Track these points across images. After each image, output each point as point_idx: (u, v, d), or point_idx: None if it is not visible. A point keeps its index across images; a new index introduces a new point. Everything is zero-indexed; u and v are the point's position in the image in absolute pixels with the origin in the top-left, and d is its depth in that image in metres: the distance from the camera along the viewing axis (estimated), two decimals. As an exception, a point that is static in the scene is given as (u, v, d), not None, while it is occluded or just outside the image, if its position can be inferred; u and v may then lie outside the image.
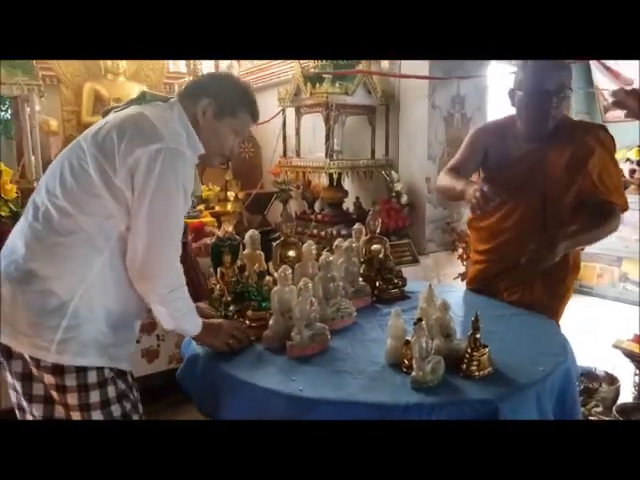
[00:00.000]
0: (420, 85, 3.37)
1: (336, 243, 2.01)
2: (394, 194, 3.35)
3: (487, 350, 1.34)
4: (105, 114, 1.42)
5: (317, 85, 3.32)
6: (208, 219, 3.19)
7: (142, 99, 1.44)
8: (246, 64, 5.46)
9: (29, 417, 1.29)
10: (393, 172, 3.44)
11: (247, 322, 1.60)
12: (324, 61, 3.46)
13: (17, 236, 1.27)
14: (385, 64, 3.65)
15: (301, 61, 3.74)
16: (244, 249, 1.89)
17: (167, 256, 1.28)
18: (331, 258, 1.74)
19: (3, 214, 2.20)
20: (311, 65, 3.57)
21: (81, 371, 1.22)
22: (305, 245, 1.82)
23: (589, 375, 2.40)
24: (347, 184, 3.77)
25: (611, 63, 4.18)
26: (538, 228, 1.85)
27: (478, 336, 1.34)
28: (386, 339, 1.43)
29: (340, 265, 1.92)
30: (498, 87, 3.85)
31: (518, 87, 1.86)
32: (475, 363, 1.31)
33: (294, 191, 4.18)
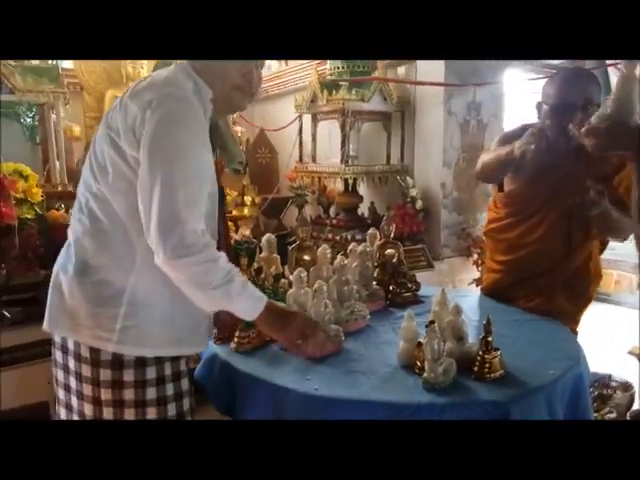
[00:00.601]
0: (436, 92, 3.39)
1: (350, 247, 2.05)
2: (409, 199, 3.38)
3: (498, 353, 1.36)
4: None
5: (333, 92, 3.36)
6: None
7: (155, 69, 1.42)
8: (263, 71, 5.55)
9: (75, 417, 1.27)
10: (408, 178, 3.46)
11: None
12: (340, 68, 3.50)
13: (70, 233, 1.28)
14: (401, 70, 3.69)
15: (318, 68, 3.81)
16: (261, 252, 1.93)
17: (182, 218, 1.10)
18: (345, 262, 1.78)
19: (29, 216, 2.29)
20: (327, 72, 3.62)
21: (139, 366, 1.19)
22: (320, 249, 1.86)
23: (604, 382, 2.38)
24: (362, 189, 3.80)
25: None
26: (561, 243, 1.85)
27: (490, 339, 1.36)
28: (399, 341, 1.46)
29: (354, 269, 1.96)
30: (514, 93, 3.88)
31: (545, 100, 1.84)
32: (487, 365, 1.34)
33: (310, 196, 4.23)
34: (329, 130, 3.84)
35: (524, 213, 1.92)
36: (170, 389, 1.24)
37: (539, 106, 1.88)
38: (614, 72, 4.22)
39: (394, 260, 2.10)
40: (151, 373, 1.21)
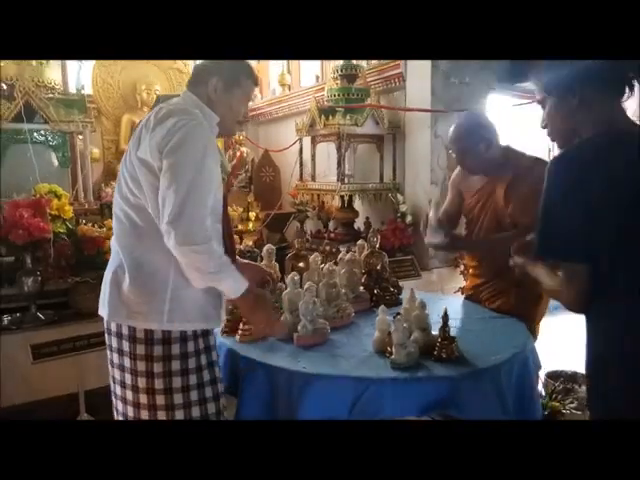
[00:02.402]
0: (423, 117, 3.72)
1: (340, 256, 2.37)
2: (399, 215, 3.69)
3: (455, 340, 1.66)
4: None
5: (330, 117, 3.71)
6: (231, 236, 3.56)
7: (158, 101, 1.73)
8: (267, 95, 5.94)
9: (129, 393, 1.48)
10: (399, 195, 3.78)
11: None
12: (337, 95, 3.85)
13: (115, 241, 1.53)
14: (393, 96, 4.02)
15: (316, 95, 4.16)
16: (262, 260, 2.25)
17: (193, 209, 1.34)
18: (333, 268, 2.09)
19: (62, 230, 2.62)
20: (325, 98, 3.97)
21: (182, 341, 1.45)
22: (312, 257, 2.17)
23: (572, 377, 2.67)
24: (358, 205, 4.12)
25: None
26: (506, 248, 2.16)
27: (447, 328, 1.66)
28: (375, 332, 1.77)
29: (343, 274, 2.27)
30: (497, 117, 4.19)
31: (451, 143, 2.28)
32: (444, 350, 1.64)
33: (311, 212, 4.55)
34: (327, 151, 4.17)
35: (468, 225, 2.38)
36: (204, 359, 1.51)
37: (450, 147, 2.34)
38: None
39: (378, 268, 2.41)
40: (191, 346, 1.47)
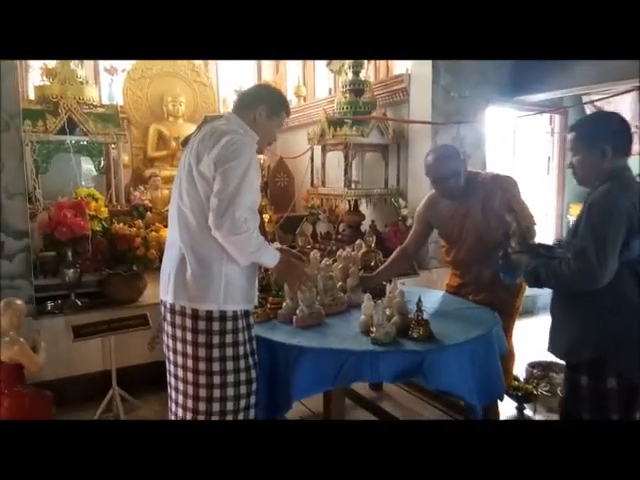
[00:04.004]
0: (425, 128, 4.03)
1: (338, 253, 2.70)
2: (400, 218, 4.00)
3: (427, 322, 1.97)
4: (184, 144, 1.99)
5: (338, 128, 4.05)
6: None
7: (206, 121, 2.02)
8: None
9: (190, 361, 1.76)
10: (400, 199, 4.09)
11: (269, 305, 2.29)
12: (345, 108, 4.18)
13: (174, 237, 1.80)
14: (399, 109, 4.34)
15: (326, 107, 4.50)
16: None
17: (236, 208, 1.63)
18: (329, 262, 2.42)
19: (98, 229, 3.01)
20: (334, 111, 4.31)
21: (234, 319, 1.76)
22: (312, 253, 2.51)
23: (548, 366, 2.94)
24: (365, 209, 4.44)
25: (601, 105, 4.71)
26: (483, 256, 2.46)
27: (420, 313, 1.98)
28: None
29: (341, 269, 2.60)
30: (495, 128, 4.48)
31: (427, 173, 2.57)
32: (416, 330, 1.95)
33: (322, 215, 4.89)
34: (338, 159, 4.50)
35: (450, 244, 2.70)
36: (247, 334, 1.83)
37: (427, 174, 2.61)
38: (590, 108, 4.79)
39: (372, 264, 2.73)
40: (239, 323, 1.79)
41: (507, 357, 2.60)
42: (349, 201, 4.20)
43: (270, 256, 1.81)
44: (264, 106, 1.87)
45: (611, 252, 1.59)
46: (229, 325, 1.76)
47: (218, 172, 1.68)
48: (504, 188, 2.51)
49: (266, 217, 4.29)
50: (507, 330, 2.60)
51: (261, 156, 5.37)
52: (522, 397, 2.68)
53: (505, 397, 2.75)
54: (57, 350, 2.79)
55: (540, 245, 1.95)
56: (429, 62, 3.95)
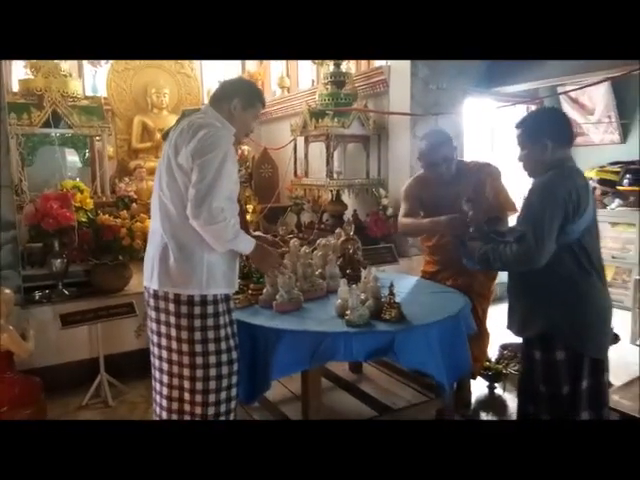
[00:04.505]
0: (405, 119, 4.13)
1: (318, 241, 2.81)
2: (381, 207, 4.11)
3: (398, 305, 2.09)
4: (164, 137, 2.13)
5: (320, 120, 4.13)
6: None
7: (184, 115, 2.09)
8: (269, 97, 6.37)
9: (174, 344, 1.85)
10: (381, 189, 4.20)
11: (250, 291, 2.39)
12: (326, 100, 4.26)
13: (157, 225, 1.88)
14: (380, 100, 4.43)
15: (309, 98, 4.58)
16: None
17: (213, 198, 1.70)
18: (308, 250, 2.52)
19: (84, 219, 3.08)
20: (316, 103, 4.39)
21: (214, 303, 1.85)
22: (292, 242, 2.61)
23: (518, 347, 3.07)
24: (348, 199, 4.54)
25: (576, 96, 4.85)
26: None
27: (392, 296, 2.09)
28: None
29: (320, 257, 2.71)
30: (472, 120, 4.59)
31: (420, 158, 2.68)
32: (389, 312, 2.07)
33: (306, 205, 4.98)
34: (320, 150, 4.59)
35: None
36: (227, 318, 1.92)
37: (420, 159, 2.70)
38: (564, 99, 4.93)
39: (351, 252, 2.84)
40: (221, 307, 1.88)
41: (482, 338, 2.75)
42: (331, 191, 4.31)
43: (246, 243, 1.89)
44: (239, 98, 1.94)
45: (548, 236, 1.76)
46: (210, 309, 1.86)
47: (196, 164, 1.75)
48: (492, 177, 2.64)
49: (250, 207, 4.39)
50: (484, 312, 2.75)
51: (245, 147, 5.44)
52: (492, 376, 2.82)
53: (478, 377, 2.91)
54: (46, 338, 2.87)
55: (493, 231, 2.09)
56: (408, 55, 4.04)
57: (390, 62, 4.30)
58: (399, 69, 4.17)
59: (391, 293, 2.11)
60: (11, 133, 3.06)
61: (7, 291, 2.51)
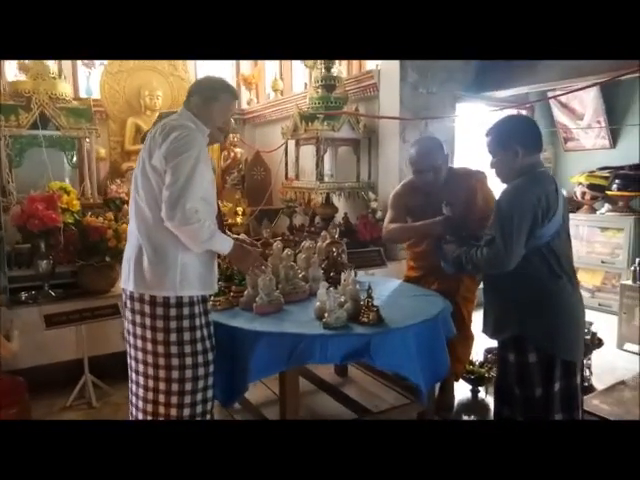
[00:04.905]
0: (394, 123, 4.16)
1: (302, 244, 2.82)
2: (370, 210, 4.13)
3: (376, 308, 2.10)
4: (143, 139, 2.12)
5: (310, 123, 4.15)
6: (220, 229, 4.02)
7: (161, 117, 2.07)
8: (263, 99, 6.40)
9: (149, 345, 1.85)
10: (370, 193, 4.22)
11: (232, 293, 2.40)
12: (317, 103, 4.29)
13: (133, 227, 1.90)
14: (371, 104, 4.46)
15: (299, 102, 4.60)
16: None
17: (186, 199, 1.72)
18: (290, 252, 2.54)
19: (70, 221, 3.09)
20: (307, 106, 4.41)
21: (190, 305, 1.85)
22: (275, 244, 2.63)
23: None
24: (338, 202, 4.56)
25: (566, 101, 4.87)
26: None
27: (370, 299, 2.10)
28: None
29: (304, 259, 2.72)
30: (463, 124, 4.61)
31: (410, 164, 2.71)
32: (366, 315, 2.08)
33: (298, 207, 5.00)
34: (312, 153, 4.61)
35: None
36: (204, 319, 1.93)
37: (410, 166, 2.72)
38: (554, 103, 4.95)
39: (335, 254, 2.85)
40: (196, 309, 1.88)
41: (467, 340, 2.76)
42: (321, 194, 4.33)
43: (223, 243, 1.90)
44: (197, 95, 1.95)
45: (516, 240, 1.78)
46: (186, 310, 1.87)
47: (169, 166, 1.76)
48: (480, 182, 2.66)
49: (239, 210, 4.40)
50: (469, 314, 2.76)
51: (238, 150, 5.48)
52: (475, 380, 2.83)
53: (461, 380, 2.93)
54: (32, 339, 2.87)
55: (468, 235, 2.12)
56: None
57: (380, 66, 4.33)
58: (388, 73, 4.20)
59: (369, 296, 2.12)
60: (-1, 135, 3.09)
61: (-10, 292, 2.52)
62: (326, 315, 2.06)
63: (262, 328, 2.04)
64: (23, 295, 3.07)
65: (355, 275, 2.84)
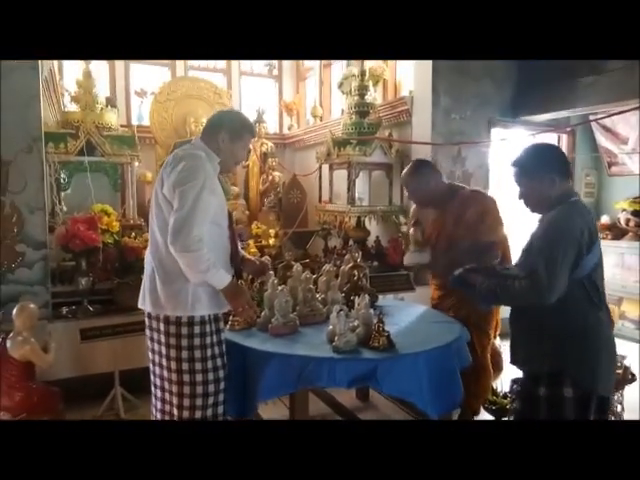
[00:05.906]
0: (426, 148, 4.17)
1: (324, 267, 2.87)
2: (400, 234, 4.13)
3: (387, 333, 2.11)
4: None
5: (342, 148, 4.24)
6: (252, 250, 4.13)
7: (175, 147, 2.17)
8: (303, 124, 6.57)
9: (164, 361, 1.96)
10: (401, 217, 4.23)
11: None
12: (350, 129, 4.38)
13: (148, 253, 2.03)
14: (404, 129, 4.50)
15: (334, 128, 4.71)
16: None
17: (190, 227, 1.79)
18: (310, 275, 2.60)
19: (110, 241, 3.30)
20: (341, 132, 4.51)
21: (202, 323, 1.94)
22: (295, 266, 2.69)
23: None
24: (369, 225, 4.59)
25: (611, 125, 4.72)
26: (454, 266, 2.56)
27: (381, 324, 2.12)
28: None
29: (324, 282, 2.77)
30: (499, 148, 4.56)
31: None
32: (377, 340, 2.10)
33: (333, 230, 5.07)
34: (345, 177, 4.68)
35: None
36: (215, 337, 2.01)
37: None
38: (597, 128, 4.81)
39: (355, 278, 2.88)
40: (209, 327, 1.98)
41: (481, 373, 2.69)
42: (353, 217, 4.38)
43: (219, 278, 1.92)
44: (225, 131, 2.03)
45: (561, 272, 1.72)
46: (197, 329, 1.95)
47: (176, 194, 1.86)
48: (481, 204, 2.63)
49: (272, 232, 4.51)
50: (483, 347, 2.69)
51: (277, 173, 5.63)
52: (496, 411, 2.75)
53: (483, 411, 2.85)
54: (68, 352, 3.06)
55: (495, 265, 2.07)
56: (429, 84, 4.10)
57: (413, 92, 4.38)
58: (421, 99, 4.23)
59: (380, 321, 2.14)
60: (49, 160, 3.35)
61: (32, 306, 2.72)
62: (336, 339, 2.10)
63: (273, 349, 2.09)
64: (64, 310, 3.27)
65: (376, 299, 2.90)
